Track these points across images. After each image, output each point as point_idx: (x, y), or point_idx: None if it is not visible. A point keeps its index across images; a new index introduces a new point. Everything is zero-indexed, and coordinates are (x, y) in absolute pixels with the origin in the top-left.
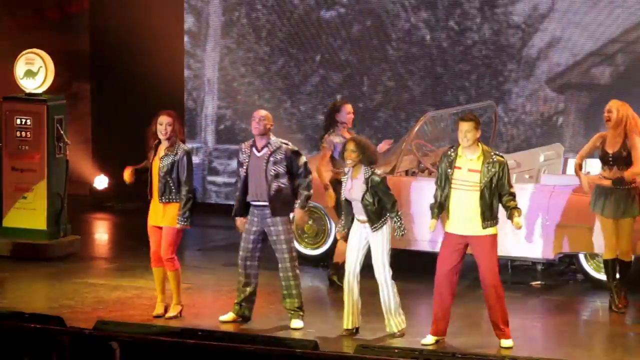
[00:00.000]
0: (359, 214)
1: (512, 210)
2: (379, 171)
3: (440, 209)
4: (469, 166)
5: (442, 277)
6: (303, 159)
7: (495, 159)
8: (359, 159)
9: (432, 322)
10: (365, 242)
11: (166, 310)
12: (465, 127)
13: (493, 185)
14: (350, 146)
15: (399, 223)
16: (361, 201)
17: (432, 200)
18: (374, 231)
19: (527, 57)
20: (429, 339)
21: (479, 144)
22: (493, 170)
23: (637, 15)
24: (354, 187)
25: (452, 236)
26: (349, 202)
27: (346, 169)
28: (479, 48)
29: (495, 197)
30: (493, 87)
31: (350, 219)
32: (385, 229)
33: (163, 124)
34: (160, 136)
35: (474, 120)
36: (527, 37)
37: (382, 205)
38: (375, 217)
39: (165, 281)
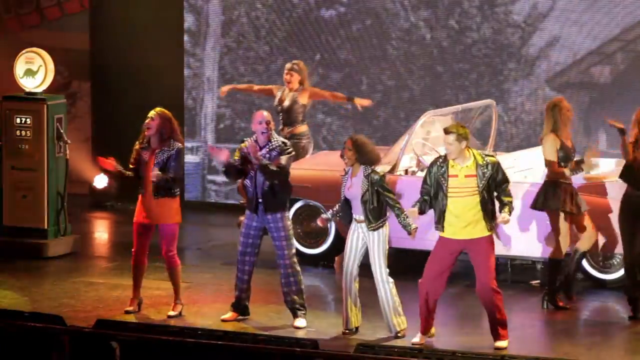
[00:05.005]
0: (357, 213)
1: (505, 205)
2: (379, 169)
3: (422, 210)
4: (465, 172)
5: (429, 278)
6: (284, 158)
7: (488, 161)
8: (355, 157)
9: (421, 321)
10: (362, 243)
11: (139, 306)
12: (448, 139)
13: (490, 186)
14: (348, 145)
15: (405, 221)
16: (361, 199)
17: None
18: (370, 230)
19: (526, 56)
20: (417, 338)
21: (469, 149)
22: (488, 172)
23: (636, 14)
24: (354, 185)
25: (448, 241)
26: (348, 201)
27: (346, 168)
28: (479, 47)
29: (493, 196)
30: (493, 86)
31: (349, 219)
32: (383, 230)
33: (147, 119)
34: (146, 131)
35: (456, 133)
36: (526, 36)
37: (382, 205)
38: (373, 217)
39: (142, 279)
